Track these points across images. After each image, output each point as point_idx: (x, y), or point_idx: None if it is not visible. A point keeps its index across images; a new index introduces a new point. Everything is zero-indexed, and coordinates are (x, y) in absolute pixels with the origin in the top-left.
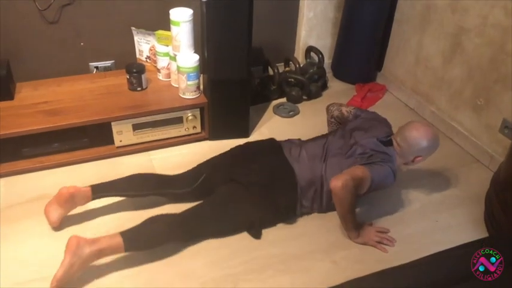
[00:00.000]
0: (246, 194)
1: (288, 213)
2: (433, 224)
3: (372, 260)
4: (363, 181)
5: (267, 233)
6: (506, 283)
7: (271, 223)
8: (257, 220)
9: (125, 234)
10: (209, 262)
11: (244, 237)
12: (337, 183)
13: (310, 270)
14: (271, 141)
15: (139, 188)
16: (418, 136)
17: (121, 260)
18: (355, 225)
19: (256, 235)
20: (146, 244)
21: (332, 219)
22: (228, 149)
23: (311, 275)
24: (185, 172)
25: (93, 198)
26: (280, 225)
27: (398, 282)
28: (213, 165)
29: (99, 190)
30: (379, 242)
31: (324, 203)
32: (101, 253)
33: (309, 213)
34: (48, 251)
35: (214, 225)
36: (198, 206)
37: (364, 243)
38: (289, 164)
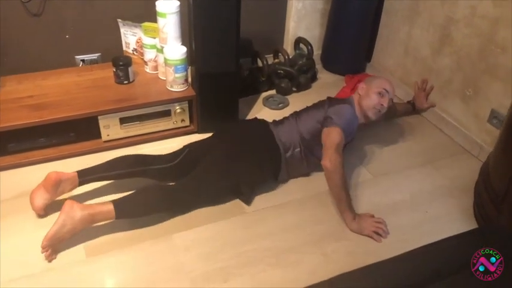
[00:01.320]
0: (230, 155)
1: (272, 169)
2: (423, 214)
3: (362, 253)
4: (341, 141)
5: (258, 225)
6: (506, 283)
7: (259, 182)
8: (246, 179)
9: (116, 201)
10: (200, 255)
11: (235, 228)
12: (325, 161)
13: (301, 263)
14: (254, 118)
15: (125, 167)
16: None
17: (109, 253)
18: (349, 204)
19: (247, 201)
20: (137, 212)
21: (323, 211)
22: None
23: (302, 268)
24: (169, 153)
25: (80, 183)
26: (271, 218)
27: (389, 275)
28: (196, 142)
29: (85, 174)
30: (375, 232)
31: (311, 159)
32: (92, 218)
33: (302, 175)
34: (34, 248)
35: (204, 190)
36: (188, 176)
37: (360, 232)
38: (270, 129)
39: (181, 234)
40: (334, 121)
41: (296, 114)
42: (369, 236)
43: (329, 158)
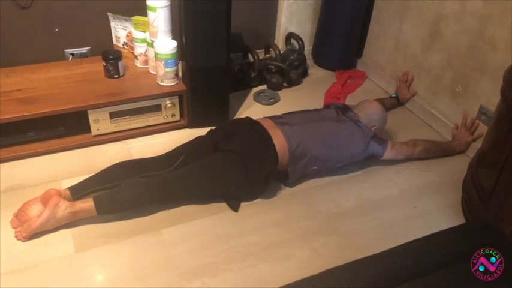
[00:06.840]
0: (228, 160)
1: (266, 180)
2: (412, 210)
3: (351, 248)
4: (393, 145)
5: (247, 220)
6: (506, 283)
7: (251, 194)
8: (238, 188)
9: (96, 197)
10: (188, 250)
11: (224, 223)
12: (409, 154)
13: (289, 258)
14: (247, 118)
15: (121, 177)
16: (373, 109)
17: (98, 248)
18: (443, 147)
19: (235, 207)
20: (118, 207)
21: (311, 206)
22: None
23: (290, 263)
24: (163, 154)
25: (75, 200)
26: (259, 213)
27: (377, 270)
28: (190, 146)
29: (78, 190)
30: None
31: (323, 164)
32: (75, 215)
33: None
34: (21, 243)
35: (194, 188)
36: (179, 171)
37: (468, 145)
38: (268, 132)
39: (170, 230)
40: (383, 148)
41: (315, 126)
42: (473, 141)
43: (407, 152)
